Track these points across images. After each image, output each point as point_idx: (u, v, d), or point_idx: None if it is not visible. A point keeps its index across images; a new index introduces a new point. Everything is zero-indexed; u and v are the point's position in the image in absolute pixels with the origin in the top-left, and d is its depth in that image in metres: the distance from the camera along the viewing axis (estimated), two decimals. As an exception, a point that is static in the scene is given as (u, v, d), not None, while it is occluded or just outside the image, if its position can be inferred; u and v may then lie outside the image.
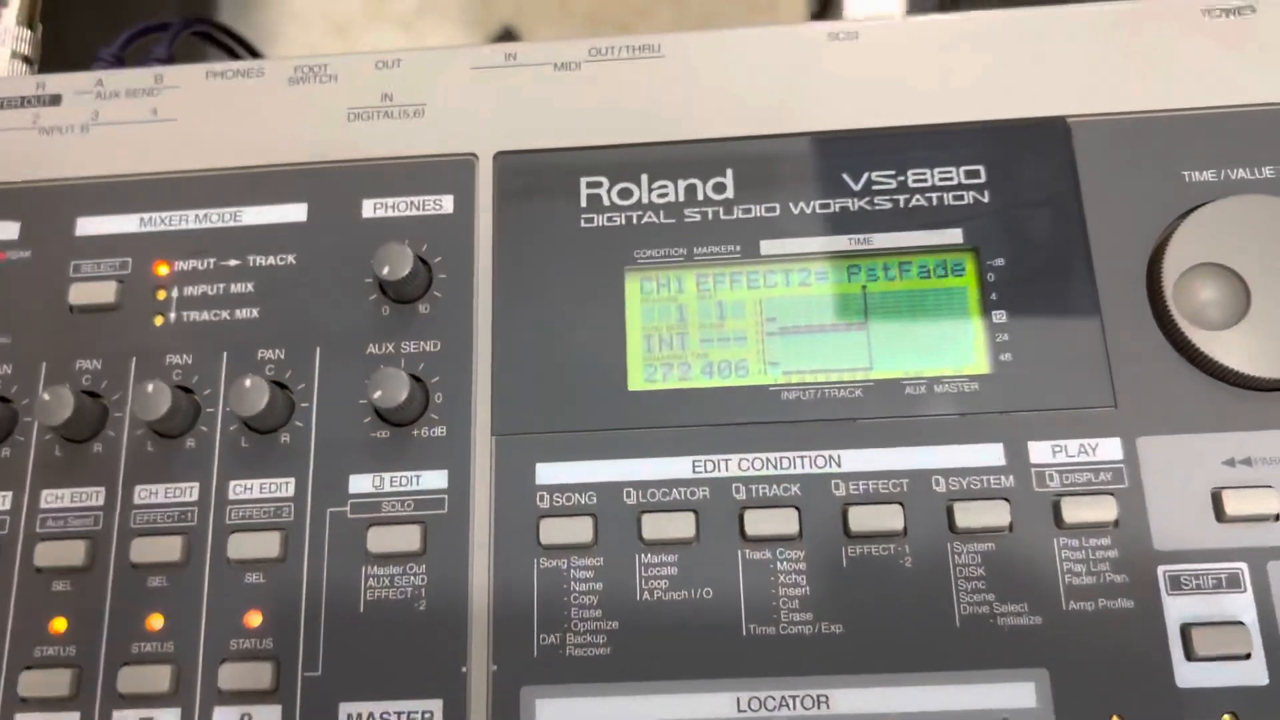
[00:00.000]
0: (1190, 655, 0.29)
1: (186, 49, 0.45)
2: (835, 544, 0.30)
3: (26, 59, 0.40)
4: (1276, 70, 0.33)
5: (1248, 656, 0.29)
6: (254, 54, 0.49)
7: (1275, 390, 0.30)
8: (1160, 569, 0.29)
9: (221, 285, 0.34)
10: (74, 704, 0.30)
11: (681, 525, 0.30)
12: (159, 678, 0.30)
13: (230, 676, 0.30)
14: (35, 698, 0.30)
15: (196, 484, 0.32)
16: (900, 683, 0.29)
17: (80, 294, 0.34)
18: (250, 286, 0.34)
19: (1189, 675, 0.29)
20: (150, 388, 0.31)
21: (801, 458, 0.31)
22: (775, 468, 0.31)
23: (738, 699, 0.29)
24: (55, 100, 0.36)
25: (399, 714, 0.29)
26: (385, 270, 0.32)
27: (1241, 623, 0.29)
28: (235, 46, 0.48)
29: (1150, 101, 0.33)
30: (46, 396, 0.31)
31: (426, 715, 0.29)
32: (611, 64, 0.35)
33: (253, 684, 0.30)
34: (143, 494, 0.32)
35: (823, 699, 0.29)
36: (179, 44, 0.43)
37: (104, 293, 0.34)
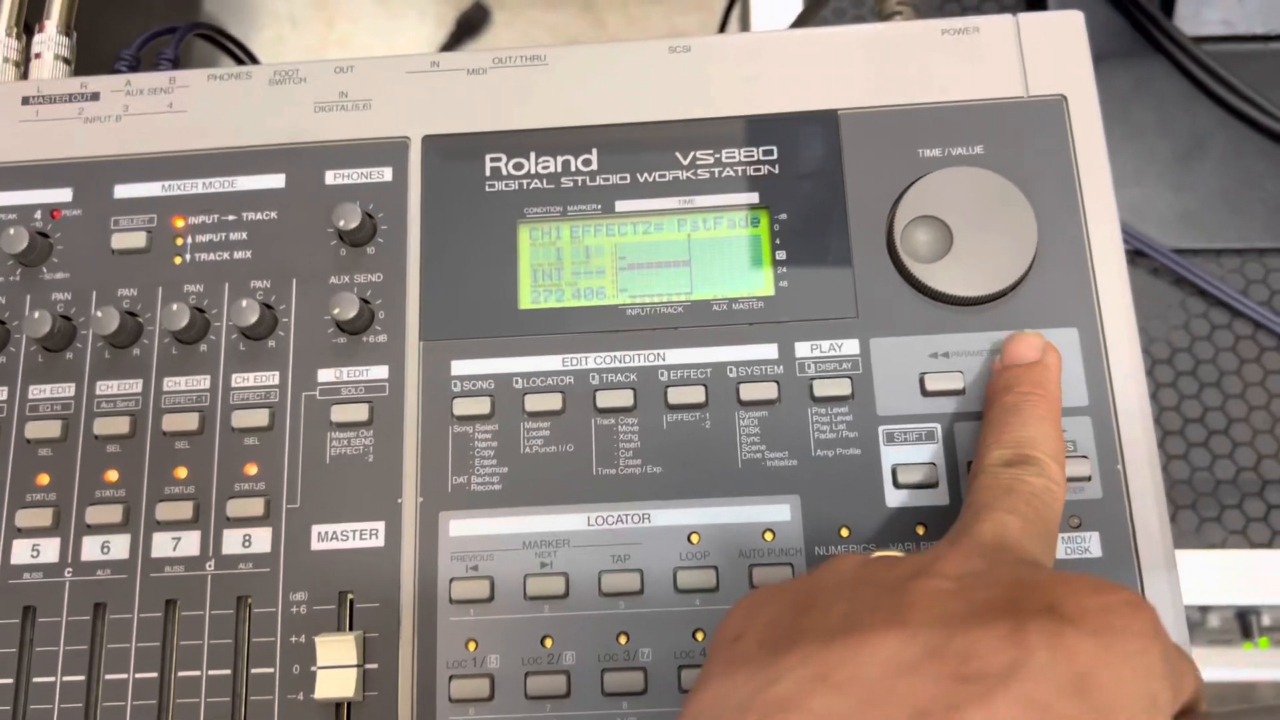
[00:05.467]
0: (896, 485, 0.42)
1: (187, 45, 0.57)
2: (659, 413, 0.43)
3: (66, 60, 0.52)
4: (988, 76, 0.46)
5: (935, 485, 0.42)
6: (245, 50, 0.61)
7: (966, 305, 0.43)
8: (880, 428, 0.42)
9: (223, 234, 0.46)
10: (125, 528, 0.43)
11: (553, 402, 0.43)
12: (184, 509, 0.43)
13: (235, 508, 0.43)
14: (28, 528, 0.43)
15: (208, 376, 0.44)
16: (699, 504, 0.42)
17: (120, 241, 0.46)
18: (244, 235, 0.46)
19: (895, 498, 0.42)
20: (175, 307, 0.44)
21: (638, 354, 0.44)
22: (620, 362, 0.44)
23: (588, 517, 0.42)
24: (95, 97, 0.48)
25: (354, 531, 0.42)
26: (342, 223, 0.44)
27: (933, 464, 0.42)
28: (228, 44, 0.60)
29: (898, 98, 0.46)
30: (99, 314, 0.44)
31: (373, 531, 0.42)
32: (510, 69, 0.48)
33: (250, 513, 0.43)
34: (170, 384, 0.44)
35: (645, 515, 0.42)
36: (183, 42, 0.55)
37: (137, 240, 0.46)
